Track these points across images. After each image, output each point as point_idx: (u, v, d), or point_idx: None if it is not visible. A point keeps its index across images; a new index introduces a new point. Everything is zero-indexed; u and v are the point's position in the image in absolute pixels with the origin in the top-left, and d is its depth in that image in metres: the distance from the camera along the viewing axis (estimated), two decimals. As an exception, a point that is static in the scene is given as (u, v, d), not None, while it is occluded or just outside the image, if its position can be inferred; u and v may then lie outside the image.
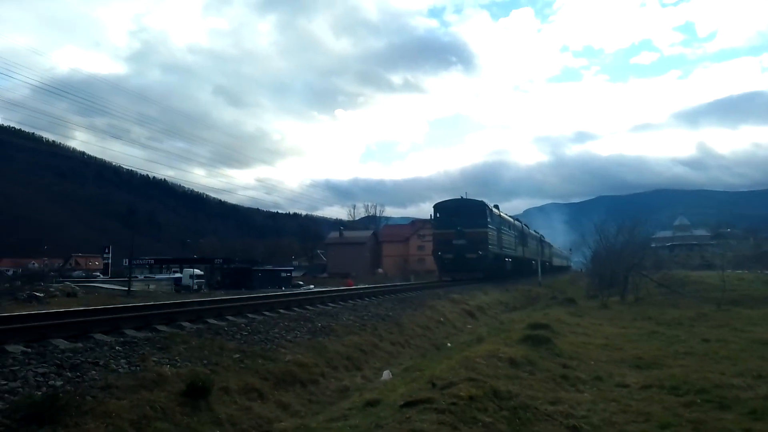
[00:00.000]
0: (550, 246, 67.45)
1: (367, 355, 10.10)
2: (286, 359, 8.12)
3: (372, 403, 5.87)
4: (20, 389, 5.06)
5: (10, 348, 6.03)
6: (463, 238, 29.51)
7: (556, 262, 71.43)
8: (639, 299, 21.57)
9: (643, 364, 8.56)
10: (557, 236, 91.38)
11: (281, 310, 11.30)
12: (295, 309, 11.79)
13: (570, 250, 75.88)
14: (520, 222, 46.91)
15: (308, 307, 12.37)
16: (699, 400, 6.16)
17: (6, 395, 4.90)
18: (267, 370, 7.51)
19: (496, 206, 36.31)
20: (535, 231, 57.16)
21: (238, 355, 7.67)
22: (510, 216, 41.85)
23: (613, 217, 30.23)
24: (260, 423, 6.16)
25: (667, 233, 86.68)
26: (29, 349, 6.13)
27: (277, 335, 9.22)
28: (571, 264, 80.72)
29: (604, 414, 5.63)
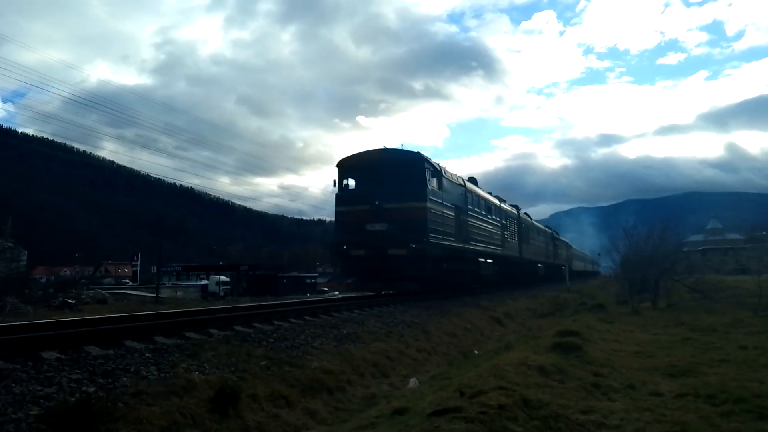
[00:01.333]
0: (568, 246, 55.51)
1: (394, 363, 10.04)
2: (312, 366, 8.13)
3: (400, 412, 5.82)
4: (55, 395, 5.17)
5: (45, 354, 6.17)
6: (382, 219, 17.02)
7: (578, 266, 60.16)
8: (671, 305, 21.04)
9: (677, 371, 8.32)
10: (586, 240, 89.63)
11: (307, 317, 11.33)
12: (321, 316, 11.82)
13: (599, 254, 74.35)
14: (517, 209, 32.38)
15: (333, 313, 12.38)
16: (737, 410, 5.95)
17: (41, 401, 5.00)
18: (294, 377, 7.52)
19: (473, 179, 24.07)
20: (547, 227, 44.14)
21: (265, 362, 7.70)
22: (495, 196, 27.38)
23: (643, 220, 29.60)
24: (288, 430, 6.17)
25: (699, 237, 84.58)
26: (63, 356, 6.26)
27: (304, 342, 9.24)
28: (600, 269, 79.19)
29: (638, 423, 5.48)
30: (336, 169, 18.54)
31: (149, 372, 6.25)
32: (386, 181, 17.39)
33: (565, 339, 10.13)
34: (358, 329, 11.10)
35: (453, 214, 19.26)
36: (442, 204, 18.24)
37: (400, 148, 18.95)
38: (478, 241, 22.19)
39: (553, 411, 5.45)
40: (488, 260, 24.06)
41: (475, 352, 12.35)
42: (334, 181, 18.52)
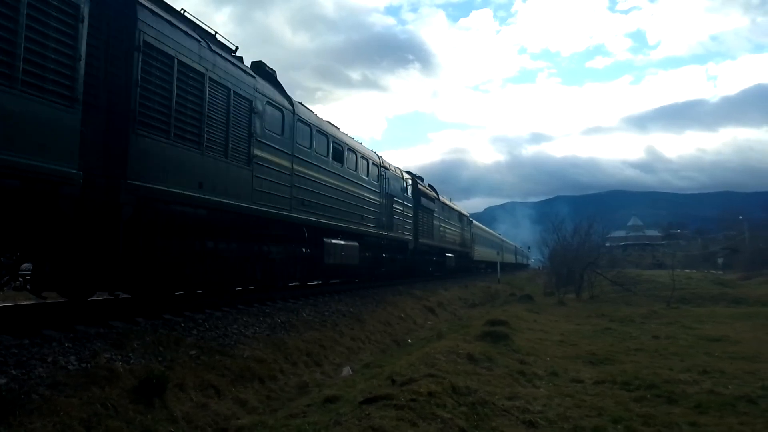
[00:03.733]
0: (466, 223, 36.23)
1: (327, 351, 10.05)
2: (244, 355, 8.00)
3: (331, 400, 5.84)
4: (-40, 388, 4.80)
5: (-51, 344, 5.71)
6: None
7: (488, 254, 44.12)
8: (594, 297, 22.22)
9: (597, 359, 8.82)
10: (520, 234, 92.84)
11: (240, 306, 11.11)
12: (255, 305, 11.62)
13: (529, 248, 77.34)
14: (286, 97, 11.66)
15: (268, 302, 12.21)
16: (649, 395, 6.38)
17: (-56, 394, 4.64)
18: (225, 367, 7.37)
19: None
20: (419, 178, 24.69)
21: (195, 351, 7.50)
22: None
23: (573, 216, 30.99)
24: (217, 420, 6.05)
25: (621, 233, 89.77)
26: (-29, 346, 5.82)
27: (236, 331, 9.07)
28: (529, 262, 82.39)
29: (559, 409, 5.76)
30: None
31: (68, 362, 5.93)
32: None
33: (494, 328, 10.50)
34: (292, 318, 11.01)
35: None
36: None
37: None
38: None
39: (480, 397, 5.64)
40: None
41: (409, 341, 12.56)
42: None
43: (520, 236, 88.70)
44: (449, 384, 5.75)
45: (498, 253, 46.37)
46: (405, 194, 20.79)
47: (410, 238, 21.40)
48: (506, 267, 51.61)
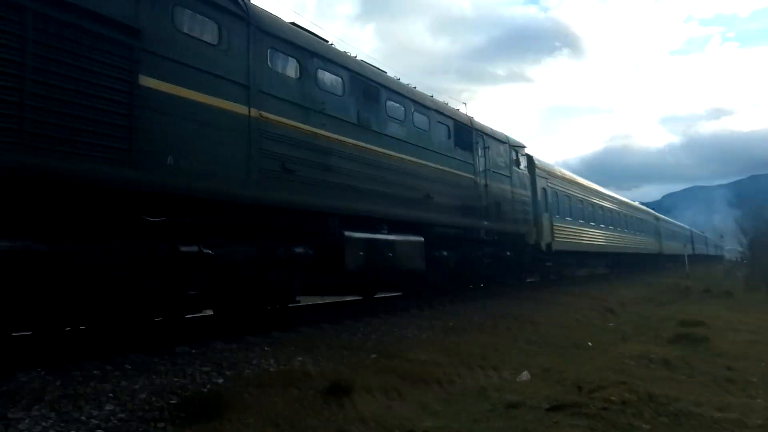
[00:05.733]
0: (507, 156, 15.02)
1: (503, 355, 9.85)
2: (421, 359, 8.18)
3: (514, 405, 5.71)
4: (189, 386, 5.62)
5: (178, 349, 6.73)
6: None
7: (641, 244, 30.52)
8: (813, 290, 18.90)
9: (827, 365, 7.47)
10: (710, 221, 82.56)
11: (413, 310, 11.45)
12: (426, 309, 11.89)
13: (721, 236, 68.58)
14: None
15: (437, 307, 12.42)
16: None
17: (179, 391, 5.46)
18: (404, 370, 7.60)
19: None
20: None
21: (375, 355, 7.87)
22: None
23: (774, 198, 26.73)
24: (403, 422, 6.24)
25: (843, 213, 75.23)
26: (193, 350, 6.78)
27: (411, 335, 9.34)
28: (723, 252, 72.88)
29: (785, 423, 4.97)
30: None
31: (269, 364, 6.61)
32: None
33: (689, 329, 9.49)
34: (464, 322, 11.04)
35: None
36: None
37: None
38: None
39: (683, 407, 5.10)
40: None
41: (589, 344, 11.83)
42: None
43: (709, 224, 78.75)
44: (644, 392, 5.29)
45: (656, 239, 32.45)
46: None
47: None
48: (668, 259, 37.67)
